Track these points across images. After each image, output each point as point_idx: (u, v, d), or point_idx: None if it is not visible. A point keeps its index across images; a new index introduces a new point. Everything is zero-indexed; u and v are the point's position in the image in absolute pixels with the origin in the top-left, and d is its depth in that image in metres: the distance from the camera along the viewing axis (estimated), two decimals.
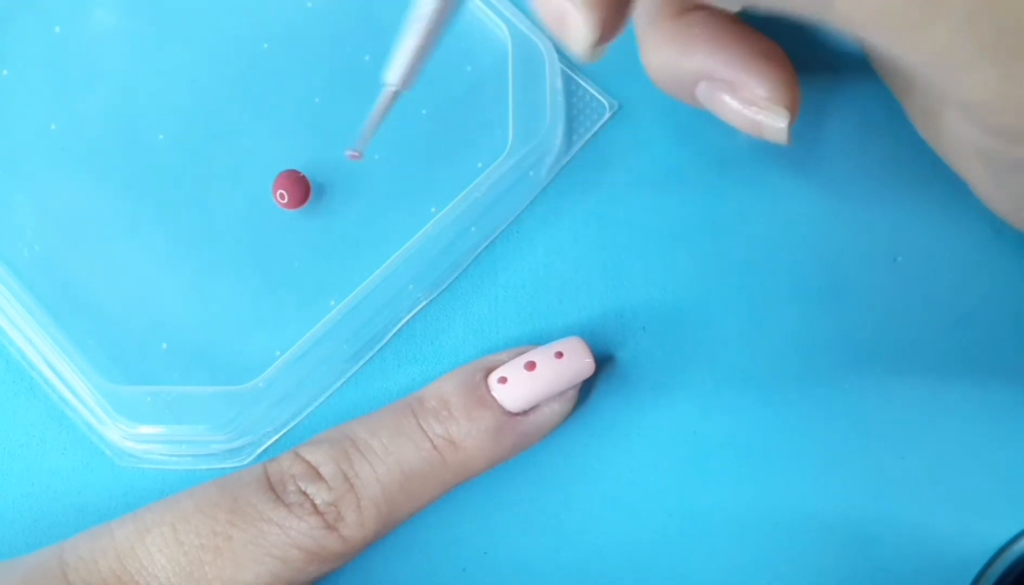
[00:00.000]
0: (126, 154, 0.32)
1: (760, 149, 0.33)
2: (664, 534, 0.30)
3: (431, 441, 0.28)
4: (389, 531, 0.28)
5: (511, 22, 0.33)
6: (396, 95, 0.26)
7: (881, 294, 0.32)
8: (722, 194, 0.32)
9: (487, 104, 0.33)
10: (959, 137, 0.27)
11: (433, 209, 0.31)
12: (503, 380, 0.28)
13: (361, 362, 0.31)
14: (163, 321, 0.31)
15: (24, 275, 0.30)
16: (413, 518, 0.28)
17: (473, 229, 0.32)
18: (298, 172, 0.31)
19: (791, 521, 0.30)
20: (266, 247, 0.31)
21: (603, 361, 0.31)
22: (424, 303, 0.31)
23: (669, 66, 0.29)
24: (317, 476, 0.27)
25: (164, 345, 0.30)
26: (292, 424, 0.30)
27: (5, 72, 0.33)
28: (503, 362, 0.29)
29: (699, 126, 0.33)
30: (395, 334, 0.31)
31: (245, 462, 0.30)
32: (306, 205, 0.31)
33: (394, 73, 0.25)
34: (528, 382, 0.28)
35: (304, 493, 0.27)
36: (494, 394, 0.28)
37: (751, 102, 0.28)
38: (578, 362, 0.29)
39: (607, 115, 0.33)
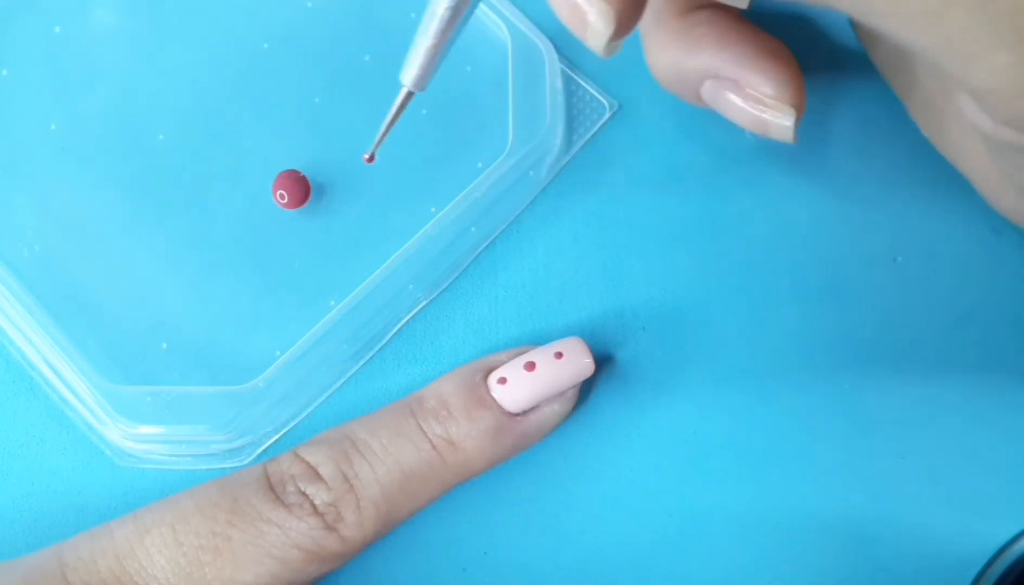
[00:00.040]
0: (126, 154, 0.32)
1: (760, 149, 0.33)
2: (664, 534, 0.30)
3: (431, 442, 0.28)
4: (389, 531, 0.28)
5: (511, 22, 0.33)
6: (411, 96, 0.26)
7: (881, 294, 0.32)
8: (722, 194, 0.32)
9: (487, 104, 0.33)
10: (965, 133, 0.27)
11: (433, 209, 0.31)
12: (503, 380, 0.28)
13: (361, 362, 0.31)
14: (163, 321, 0.31)
15: (24, 275, 0.30)
16: (413, 518, 0.28)
17: (473, 229, 0.32)
18: (298, 172, 0.31)
19: (791, 521, 0.30)
20: (266, 247, 0.31)
21: (603, 361, 0.31)
22: (424, 303, 0.31)
23: (674, 65, 0.29)
24: (317, 477, 0.27)
25: (164, 345, 0.30)
26: (292, 424, 0.30)
27: (5, 72, 0.33)
28: (503, 362, 0.29)
29: (699, 126, 0.33)
30: (395, 334, 0.31)
31: (245, 462, 0.30)
32: (306, 205, 0.31)
33: (408, 74, 0.25)
34: (528, 382, 0.28)
35: (304, 494, 0.27)
36: (494, 394, 0.28)
37: (757, 100, 0.28)
38: (578, 362, 0.29)
39: (607, 115, 0.33)
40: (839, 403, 0.31)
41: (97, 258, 0.31)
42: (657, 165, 0.33)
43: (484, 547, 0.30)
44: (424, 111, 0.32)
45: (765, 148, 0.33)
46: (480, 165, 0.32)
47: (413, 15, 0.33)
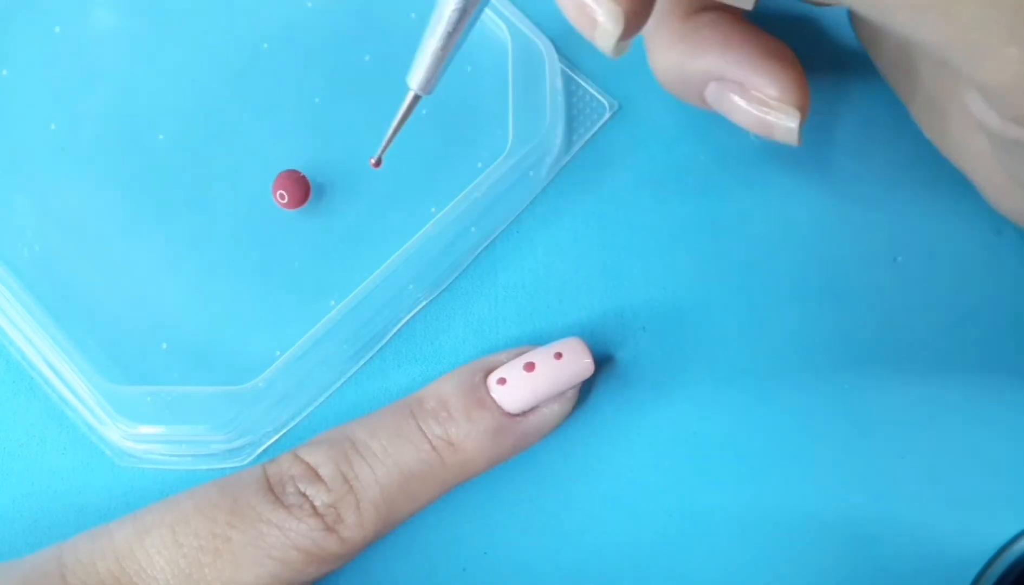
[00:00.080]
0: (126, 154, 0.32)
1: (760, 149, 0.33)
2: (664, 534, 0.30)
3: (430, 442, 0.28)
4: (388, 532, 0.28)
5: (511, 22, 0.33)
6: (418, 100, 0.26)
7: (881, 294, 0.32)
8: (722, 194, 0.32)
9: (487, 104, 0.33)
10: (968, 133, 0.27)
11: (433, 209, 0.31)
12: (502, 381, 0.28)
13: (361, 362, 0.31)
14: (163, 321, 0.31)
15: (24, 275, 0.30)
16: (413, 518, 0.28)
17: (473, 229, 0.32)
18: (298, 172, 0.31)
19: (791, 521, 0.30)
20: (266, 247, 0.31)
21: (603, 361, 0.31)
22: (424, 303, 0.31)
23: (678, 67, 0.29)
24: (316, 477, 0.27)
25: (164, 345, 0.30)
26: (292, 424, 0.30)
27: (5, 72, 0.33)
28: (502, 363, 0.29)
29: (699, 126, 0.33)
30: (395, 334, 0.31)
31: (245, 462, 0.30)
32: (306, 205, 0.31)
33: (415, 78, 0.25)
34: (527, 383, 0.28)
35: (303, 494, 0.27)
36: (493, 395, 0.28)
37: (761, 102, 0.28)
38: (577, 363, 0.29)
39: (607, 115, 0.33)
40: (839, 403, 0.31)
41: (97, 258, 0.31)
42: (657, 165, 0.33)
43: (484, 547, 0.30)
44: (424, 111, 0.32)
45: (765, 148, 0.32)
46: (480, 165, 0.32)
47: (413, 15, 0.33)
